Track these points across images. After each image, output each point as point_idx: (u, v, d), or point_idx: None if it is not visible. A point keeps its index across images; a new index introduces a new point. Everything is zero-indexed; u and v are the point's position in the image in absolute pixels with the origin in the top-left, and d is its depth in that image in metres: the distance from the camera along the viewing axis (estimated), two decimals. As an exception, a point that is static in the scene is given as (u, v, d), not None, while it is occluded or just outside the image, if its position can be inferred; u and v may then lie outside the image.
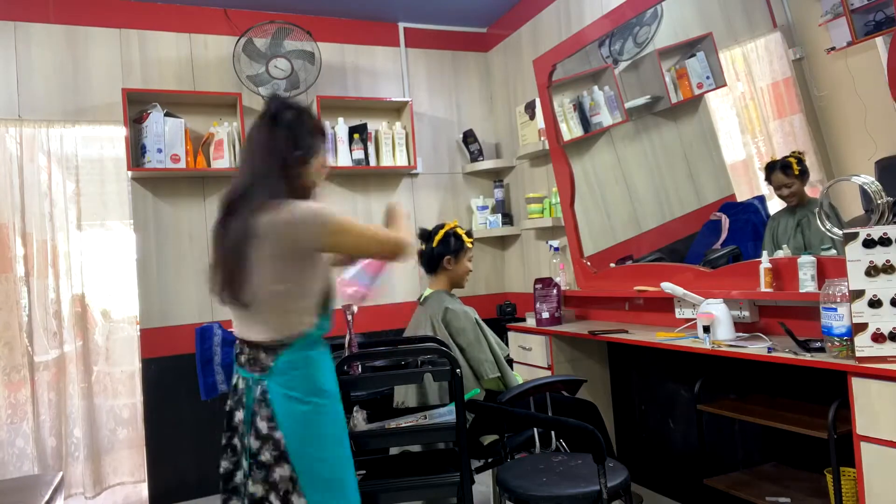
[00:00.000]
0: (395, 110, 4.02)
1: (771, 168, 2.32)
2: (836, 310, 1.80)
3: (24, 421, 3.18)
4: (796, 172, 2.25)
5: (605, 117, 3.19)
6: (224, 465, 1.67)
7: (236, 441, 1.65)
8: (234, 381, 1.71)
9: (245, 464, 1.60)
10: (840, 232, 1.97)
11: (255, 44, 3.53)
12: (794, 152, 2.26)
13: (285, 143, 1.64)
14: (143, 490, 3.35)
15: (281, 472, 1.55)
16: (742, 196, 2.58)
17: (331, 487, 1.59)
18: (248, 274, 1.57)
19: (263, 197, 1.57)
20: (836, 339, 1.80)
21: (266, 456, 1.56)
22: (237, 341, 1.72)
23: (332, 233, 1.59)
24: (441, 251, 2.58)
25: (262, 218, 1.55)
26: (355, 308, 1.84)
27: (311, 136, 1.70)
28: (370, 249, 1.69)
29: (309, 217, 1.58)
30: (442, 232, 2.58)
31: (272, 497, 1.55)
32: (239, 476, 1.63)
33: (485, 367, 2.40)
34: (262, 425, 1.57)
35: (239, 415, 1.64)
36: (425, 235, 2.63)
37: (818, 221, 2.10)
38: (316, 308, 1.64)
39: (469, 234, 2.63)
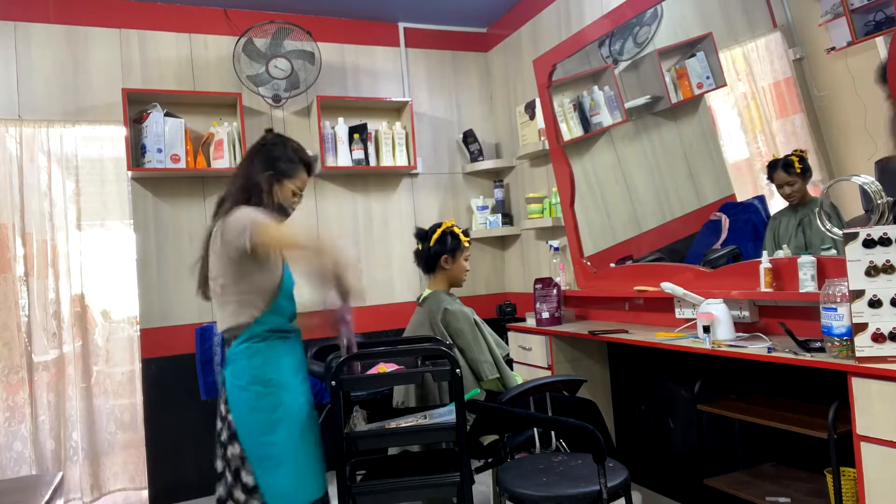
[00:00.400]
0: (395, 110, 4.02)
1: (773, 166, 2.32)
2: (836, 310, 1.80)
3: (23, 423, 3.17)
4: (798, 171, 2.25)
5: (605, 117, 3.19)
6: (217, 451, 1.90)
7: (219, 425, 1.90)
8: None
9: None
10: (840, 232, 1.97)
11: (255, 44, 3.53)
12: (795, 151, 2.26)
13: (262, 163, 1.91)
14: (143, 490, 3.34)
15: (232, 450, 1.80)
16: (742, 196, 2.58)
17: (276, 465, 1.78)
18: (208, 269, 1.91)
19: (230, 204, 1.86)
20: (836, 339, 1.80)
21: (223, 436, 1.83)
22: None
23: (254, 233, 1.74)
24: (438, 250, 2.57)
25: (221, 221, 1.84)
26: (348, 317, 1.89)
27: (286, 162, 1.94)
28: (290, 249, 1.81)
29: (241, 219, 1.78)
30: (439, 231, 2.58)
31: (227, 472, 1.82)
32: (218, 463, 1.88)
33: (484, 368, 2.40)
34: (222, 408, 1.84)
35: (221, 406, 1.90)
36: (422, 235, 2.63)
37: (818, 221, 2.10)
38: (261, 303, 1.84)
39: (466, 232, 2.63)
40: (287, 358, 1.89)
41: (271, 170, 1.90)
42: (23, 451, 3.16)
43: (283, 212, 1.95)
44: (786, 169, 2.27)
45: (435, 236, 2.58)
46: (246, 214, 1.78)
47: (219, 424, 1.85)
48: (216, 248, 1.85)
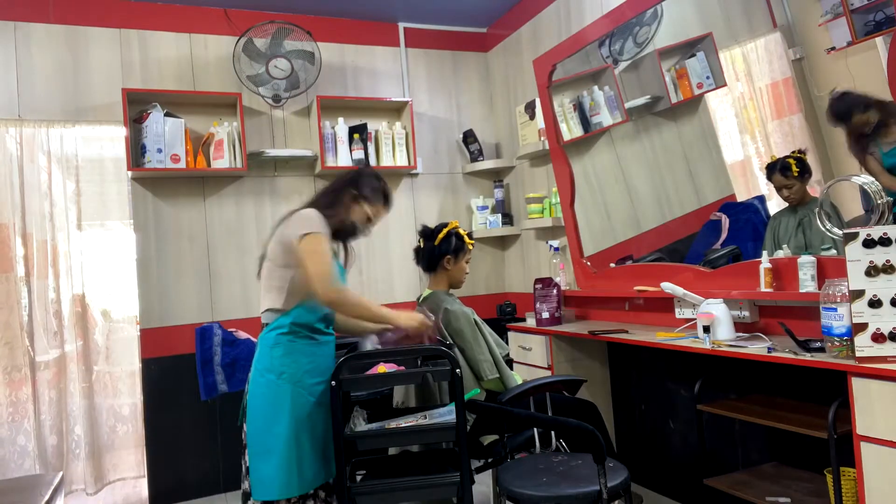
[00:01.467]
0: (395, 110, 4.02)
1: (771, 169, 2.32)
2: (836, 310, 1.80)
3: (26, 419, 3.18)
4: (795, 173, 2.25)
5: (605, 117, 3.19)
6: None
7: None
8: None
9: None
10: (840, 232, 1.97)
11: (255, 44, 3.53)
12: (794, 152, 2.26)
13: (349, 182, 2.15)
14: (143, 489, 3.35)
15: (244, 433, 1.94)
16: (742, 196, 2.58)
17: (266, 454, 1.86)
18: (267, 251, 2.02)
19: (309, 202, 2.10)
20: (836, 339, 1.80)
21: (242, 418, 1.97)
22: None
23: (301, 238, 1.89)
24: (442, 250, 2.57)
25: (295, 211, 2.03)
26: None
27: (372, 189, 2.15)
28: (310, 268, 1.89)
29: (307, 220, 1.94)
30: (445, 231, 2.59)
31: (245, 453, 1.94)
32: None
33: (483, 367, 2.40)
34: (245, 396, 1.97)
35: None
36: (427, 233, 2.63)
37: (818, 221, 2.10)
38: (297, 296, 1.93)
39: (470, 235, 2.64)
40: (306, 357, 1.95)
41: (355, 189, 2.11)
42: (26, 445, 3.18)
43: (351, 230, 2.13)
44: (783, 172, 2.27)
45: (440, 236, 2.58)
46: (312, 217, 1.95)
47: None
48: (278, 231, 1.99)
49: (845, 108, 2.06)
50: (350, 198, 2.12)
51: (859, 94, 2.02)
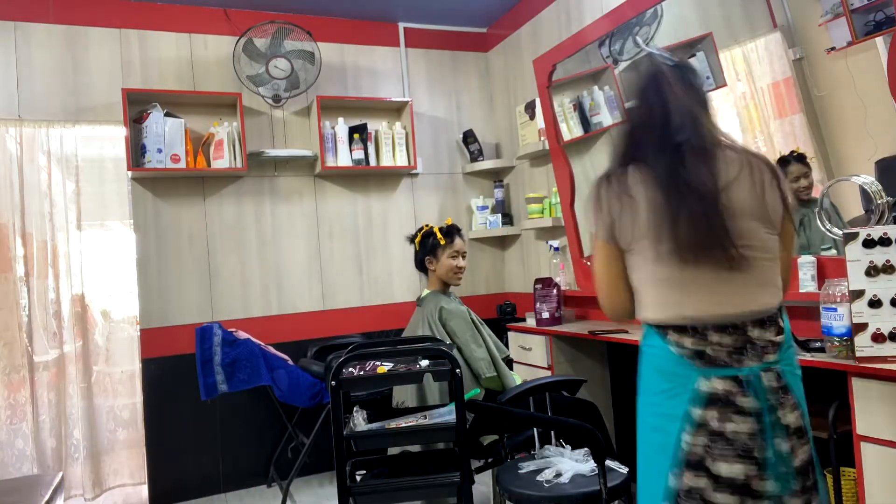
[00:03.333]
0: (395, 110, 4.02)
1: (785, 162, 2.30)
2: (835, 310, 1.80)
3: (24, 422, 3.17)
4: (810, 160, 2.23)
5: (605, 117, 3.19)
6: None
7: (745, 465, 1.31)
8: (702, 387, 1.33)
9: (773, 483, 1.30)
10: (840, 232, 1.97)
11: (255, 44, 3.53)
12: (793, 151, 2.26)
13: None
14: (144, 490, 3.35)
15: (806, 447, 1.34)
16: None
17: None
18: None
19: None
20: (835, 338, 1.80)
21: (793, 427, 1.33)
22: None
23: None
24: (421, 254, 2.66)
25: None
26: None
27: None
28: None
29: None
30: (419, 235, 2.68)
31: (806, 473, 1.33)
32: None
33: (480, 365, 2.40)
34: (788, 397, 1.33)
35: (743, 427, 1.31)
36: (410, 240, 2.75)
37: (818, 221, 2.10)
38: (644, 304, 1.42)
39: (446, 230, 2.65)
40: (653, 359, 1.45)
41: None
42: (24, 448, 3.17)
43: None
44: (800, 160, 2.25)
45: (417, 240, 2.68)
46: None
47: (790, 419, 1.31)
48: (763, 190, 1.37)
49: None
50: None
51: None
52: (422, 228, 2.70)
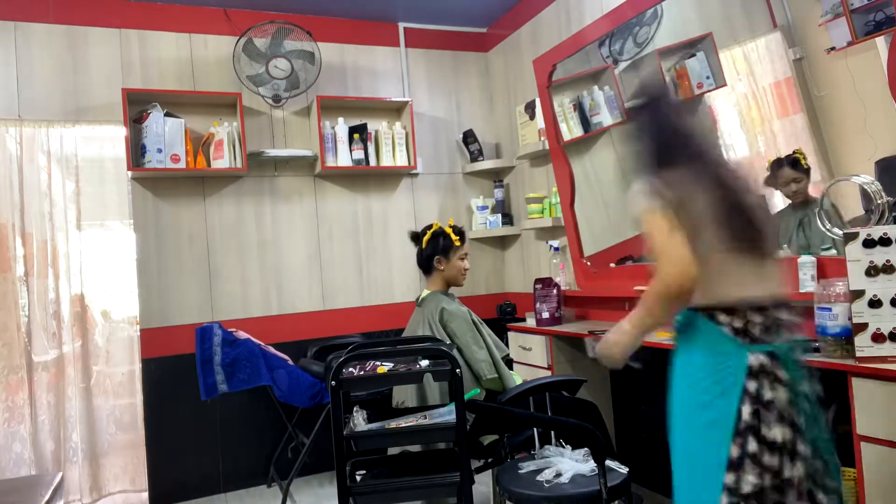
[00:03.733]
0: (395, 110, 4.02)
1: (779, 164, 2.31)
2: (830, 309, 1.80)
3: (22, 424, 3.15)
4: (805, 167, 2.23)
5: (605, 117, 3.19)
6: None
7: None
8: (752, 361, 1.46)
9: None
10: (840, 232, 1.97)
11: (255, 44, 3.53)
12: (796, 151, 2.26)
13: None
14: (143, 495, 3.34)
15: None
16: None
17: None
18: None
19: None
20: (830, 338, 1.80)
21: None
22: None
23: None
24: (430, 252, 2.60)
25: None
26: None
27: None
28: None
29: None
30: (429, 233, 2.61)
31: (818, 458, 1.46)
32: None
33: (482, 367, 2.40)
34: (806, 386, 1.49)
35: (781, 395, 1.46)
36: (415, 238, 2.68)
37: (818, 221, 2.10)
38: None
39: (459, 231, 2.62)
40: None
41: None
42: (22, 452, 3.15)
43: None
44: (792, 165, 2.25)
45: (426, 238, 2.62)
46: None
47: (812, 389, 1.48)
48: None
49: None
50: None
51: None
52: (431, 227, 2.64)
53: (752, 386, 1.44)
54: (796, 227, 2.29)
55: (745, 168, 1.64)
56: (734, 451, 1.43)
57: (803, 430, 1.44)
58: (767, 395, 1.44)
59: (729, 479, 1.43)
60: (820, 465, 1.45)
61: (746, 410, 1.44)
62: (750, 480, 1.41)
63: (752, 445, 1.43)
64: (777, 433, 1.42)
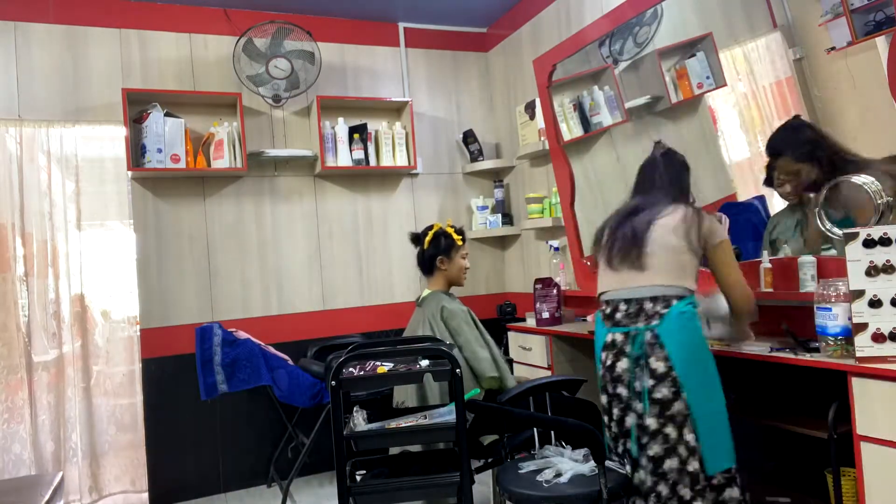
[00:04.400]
0: (395, 110, 4.02)
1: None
2: (830, 309, 1.80)
3: (22, 424, 3.15)
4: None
5: (605, 117, 3.19)
6: (615, 413, 1.99)
7: (620, 389, 1.97)
8: (607, 339, 2.03)
9: (640, 405, 1.92)
10: (840, 232, 1.97)
11: (255, 44, 3.53)
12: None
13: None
14: (143, 496, 3.34)
15: (678, 406, 1.87)
16: (744, 195, 2.58)
17: (718, 425, 1.89)
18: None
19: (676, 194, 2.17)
20: (830, 338, 1.80)
21: (662, 392, 1.88)
22: (605, 303, 2.09)
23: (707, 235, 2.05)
24: (432, 252, 2.60)
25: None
26: None
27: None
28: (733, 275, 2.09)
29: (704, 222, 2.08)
30: (431, 234, 2.61)
31: (668, 429, 1.87)
32: (629, 419, 1.95)
33: (483, 365, 2.40)
34: (659, 365, 1.90)
35: (622, 365, 1.97)
36: (416, 239, 2.67)
37: (818, 221, 2.09)
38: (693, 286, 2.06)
39: (459, 231, 2.63)
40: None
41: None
42: (21, 452, 3.15)
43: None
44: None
45: (427, 239, 2.62)
46: (723, 234, 2.07)
47: (649, 382, 1.90)
48: (676, 216, 2.06)
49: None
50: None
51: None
52: (432, 227, 2.64)
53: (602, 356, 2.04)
54: (795, 227, 2.29)
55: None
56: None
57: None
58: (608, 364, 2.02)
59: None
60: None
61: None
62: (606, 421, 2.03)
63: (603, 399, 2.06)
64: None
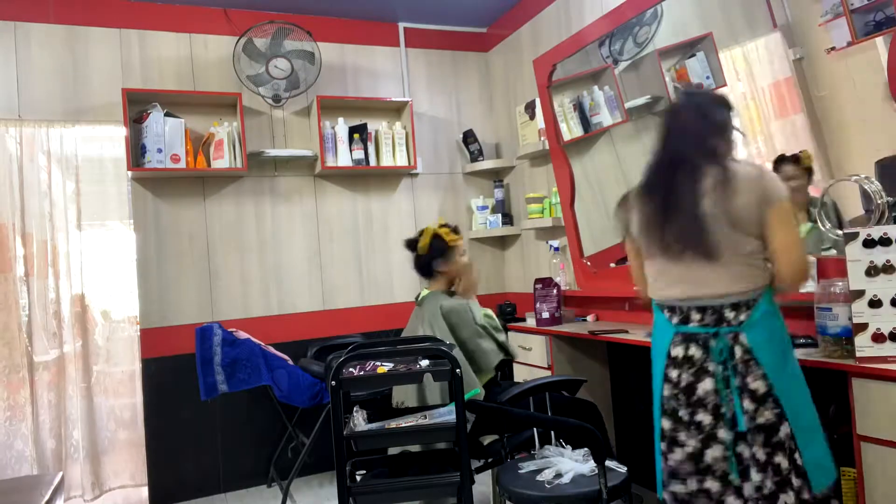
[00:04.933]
0: (395, 110, 4.02)
1: (781, 161, 2.30)
2: (830, 309, 1.80)
3: (23, 422, 3.16)
4: (805, 165, 2.23)
5: (605, 117, 3.19)
6: (690, 445, 1.66)
7: (701, 416, 1.63)
8: (675, 352, 1.68)
9: (728, 434, 1.60)
10: (840, 232, 1.97)
11: (255, 44, 3.53)
12: (801, 152, 2.25)
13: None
14: (143, 491, 3.34)
15: (784, 430, 1.59)
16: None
17: (814, 435, 1.63)
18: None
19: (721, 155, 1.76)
20: (830, 338, 1.80)
21: (764, 417, 1.59)
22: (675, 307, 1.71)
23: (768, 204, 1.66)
24: (428, 259, 2.57)
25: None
26: None
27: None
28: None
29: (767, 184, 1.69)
30: (427, 239, 2.57)
31: (777, 458, 1.59)
32: (713, 452, 1.62)
33: (490, 357, 2.40)
34: (759, 385, 1.59)
35: (706, 385, 1.63)
36: (410, 245, 2.63)
37: (818, 221, 2.10)
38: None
39: (455, 230, 2.59)
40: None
41: (726, 132, 1.78)
42: (23, 450, 3.16)
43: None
44: (795, 162, 2.25)
45: (421, 245, 2.57)
46: (784, 195, 1.65)
47: (750, 407, 1.59)
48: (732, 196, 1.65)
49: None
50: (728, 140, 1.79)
51: None
52: (422, 232, 2.60)
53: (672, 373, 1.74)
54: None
55: None
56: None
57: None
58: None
59: None
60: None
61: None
62: None
63: None
64: None
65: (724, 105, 1.80)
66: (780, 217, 1.62)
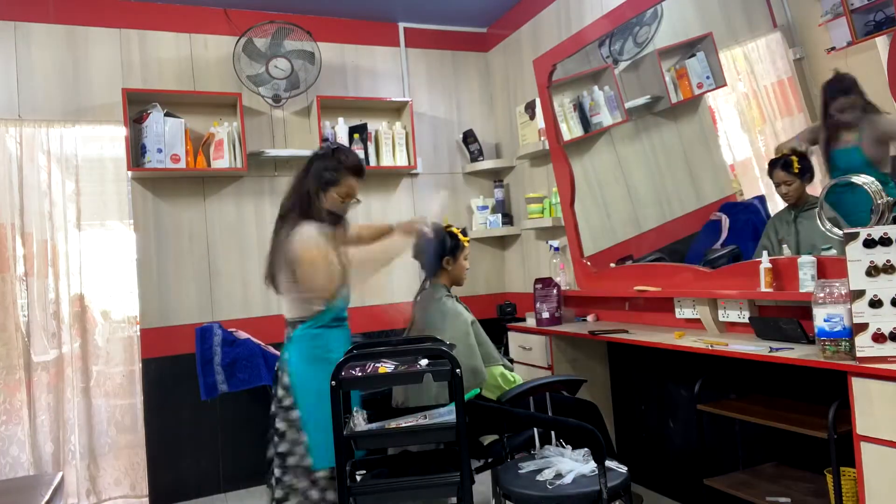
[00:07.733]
0: (395, 110, 4.01)
1: (773, 165, 2.32)
2: (830, 309, 1.80)
3: (20, 425, 3.13)
4: (796, 170, 2.24)
5: (605, 117, 3.19)
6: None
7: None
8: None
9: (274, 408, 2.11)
10: (840, 232, 1.97)
11: (255, 44, 3.53)
12: (794, 150, 2.26)
13: (310, 175, 2.25)
14: (143, 491, 3.34)
15: (295, 413, 2.06)
16: (747, 195, 2.58)
17: (325, 428, 1.90)
18: (275, 266, 2.20)
19: (293, 217, 2.15)
20: (830, 338, 1.80)
21: (286, 402, 2.08)
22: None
23: (301, 278, 2.08)
24: (441, 250, 2.57)
25: (287, 232, 2.12)
26: None
27: (330, 171, 2.26)
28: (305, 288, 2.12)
29: (296, 250, 2.08)
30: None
31: (286, 433, 2.06)
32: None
33: (491, 351, 2.41)
34: (284, 379, 2.10)
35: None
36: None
37: (818, 221, 2.10)
38: (320, 303, 2.15)
39: (465, 232, 2.63)
40: (337, 342, 2.16)
41: (316, 181, 2.20)
42: (19, 454, 3.12)
43: (335, 218, 2.26)
44: (785, 168, 2.27)
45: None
46: (301, 245, 2.06)
47: (280, 393, 2.10)
48: (281, 253, 2.12)
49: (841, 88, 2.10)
50: (315, 193, 2.19)
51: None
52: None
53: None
54: (792, 227, 2.29)
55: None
56: None
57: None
58: None
59: None
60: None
61: None
62: None
63: None
64: None
65: (343, 168, 2.27)
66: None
